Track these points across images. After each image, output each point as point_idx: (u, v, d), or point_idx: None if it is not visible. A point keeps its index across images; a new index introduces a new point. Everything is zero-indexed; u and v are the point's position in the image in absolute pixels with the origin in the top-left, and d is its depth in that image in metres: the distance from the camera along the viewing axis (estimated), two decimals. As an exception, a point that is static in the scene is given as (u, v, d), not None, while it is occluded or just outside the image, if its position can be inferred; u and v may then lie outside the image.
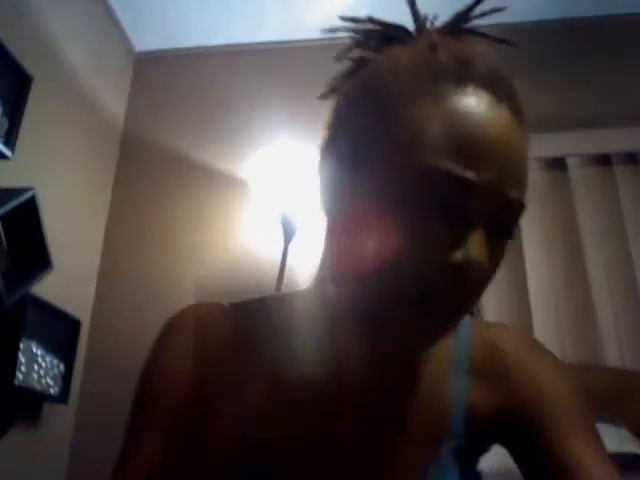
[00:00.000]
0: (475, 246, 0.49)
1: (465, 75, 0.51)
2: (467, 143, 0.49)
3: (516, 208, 0.52)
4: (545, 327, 1.90)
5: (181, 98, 2.46)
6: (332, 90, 0.62)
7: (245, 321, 0.64)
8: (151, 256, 2.25)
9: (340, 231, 0.57)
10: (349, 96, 0.58)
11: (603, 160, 2.09)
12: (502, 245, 0.53)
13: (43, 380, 1.82)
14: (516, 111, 0.52)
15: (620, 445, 1.41)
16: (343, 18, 0.61)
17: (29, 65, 1.78)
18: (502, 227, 0.52)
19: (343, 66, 0.62)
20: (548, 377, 0.61)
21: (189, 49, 2.52)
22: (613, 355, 1.87)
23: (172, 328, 0.65)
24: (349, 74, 0.62)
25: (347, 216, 0.55)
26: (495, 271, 0.53)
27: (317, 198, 0.59)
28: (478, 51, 0.55)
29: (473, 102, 0.50)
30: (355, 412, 0.60)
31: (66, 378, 1.92)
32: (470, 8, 0.59)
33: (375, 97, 0.54)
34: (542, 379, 0.60)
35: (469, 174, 0.49)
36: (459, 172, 0.49)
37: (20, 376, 1.71)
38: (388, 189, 0.51)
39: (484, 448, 0.64)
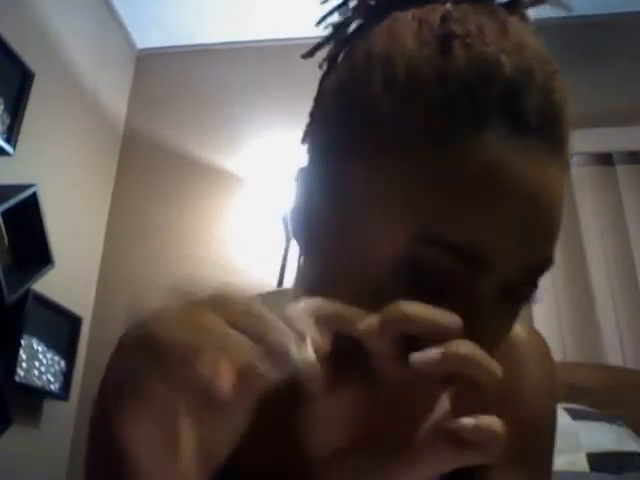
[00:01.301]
0: (476, 332, 0.34)
1: (492, 105, 0.36)
2: (487, 213, 0.36)
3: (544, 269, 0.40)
4: (545, 327, 1.90)
5: (182, 95, 2.46)
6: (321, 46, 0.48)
7: None
8: (152, 253, 2.25)
9: (307, 272, 0.44)
10: (333, 100, 0.43)
11: (605, 159, 2.09)
12: (519, 301, 0.40)
13: (44, 377, 1.83)
14: (564, 163, 0.39)
15: (620, 444, 1.41)
16: None
17: (31, 62, 1.78)
18: (523, 284, 0.40)
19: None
20: (535, 407, 0.53)
21: (190, 46, 2.52)
22: (614, 354, 1.87)
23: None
24: (343, 35, 0.46)
25: (318, 257, 0.42)
26: (508, 331, 0.41)
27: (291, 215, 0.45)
28: (517, 42, 0.38)
29: (503, 157, 0.36)
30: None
31: (67, 375, 1.92)
32: None
33: (363, 118, 0.39)
34: (530, 409, 0.52)
35: (483, 250, 0.36)
36: (470, 250, 0.36)
37: (21, 372, 1.71)
38: (364, 246, 0.38)
39: None
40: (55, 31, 1.99)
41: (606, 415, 1.48)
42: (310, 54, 0.48)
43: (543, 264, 0.39)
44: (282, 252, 1.99)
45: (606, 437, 1.41)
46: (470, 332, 0.34)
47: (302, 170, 0.44)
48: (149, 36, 2.51)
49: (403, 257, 0.36)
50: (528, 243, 0.37)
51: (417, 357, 0.31)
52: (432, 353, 0.30)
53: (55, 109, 1.99)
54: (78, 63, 2.13)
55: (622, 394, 1.60)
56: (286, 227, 2.01)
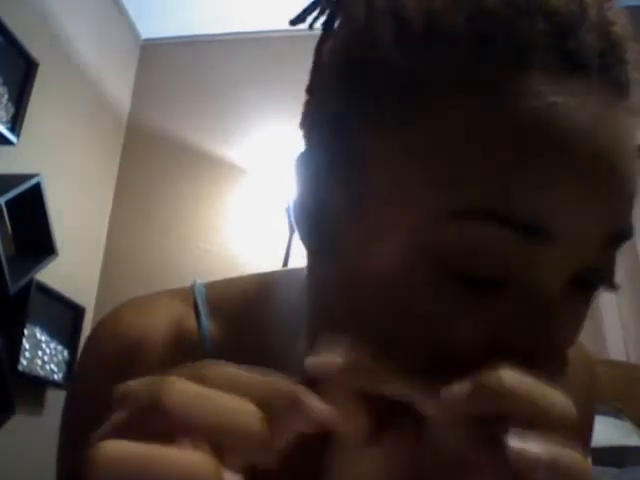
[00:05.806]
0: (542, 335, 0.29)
1: (539, 41, 0.29)
2: (544, 175, 0.28)
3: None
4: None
5: (186, 85, 2.45)
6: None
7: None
8: (155, 243, 2.25)
9: (322, 276, 0.38)
10: (335, 68, 0.36)
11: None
12: (593, 287, 0.32)
13: (47, 366, 1.83)
14: (634, 109, 0.31)
15: (623, 438, 1.41)
16: None
17: (35, 51, 1.77)
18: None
19: None
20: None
21: (194, 37, 2.51)
22: (617, 349, 1.87)
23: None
24: None
25: (330, 263, 0.36)
26: (580, 330, 0.33)
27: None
28: None
29: (559, 103, 0.28)
30: None
31: (70, 364, 1.92)
32: None
33: (373, 81, 0.32)
34: None
35: (541, 220, 0.28)
36: (524, 218, 0.28)
37: (24, 362, 1.72)
38: (392, 240, 0.31)
39: None
40: (59, 21, 1.99)
41: (608, 409, 1.48)
42: (301, 18, 0.42)
43: (621, 234, 0.31)
44: (285, 244, 1.99)
45: (608, 431, 1.41)
46: (537, 339, 0.29)
47: (302, 155, 0.38)
48: (153, 26, 2.51)
49: (433, 242, 0.29)
50: (600, 208, 0.29)
51: (520, 449, 0.24)
52: (539, 452, 0.24)
53: (59, 99, 1.99)
54: (82, 53, 2.12)
55: (625, 388, 1.60)
56: (289, 218, 2.00)
